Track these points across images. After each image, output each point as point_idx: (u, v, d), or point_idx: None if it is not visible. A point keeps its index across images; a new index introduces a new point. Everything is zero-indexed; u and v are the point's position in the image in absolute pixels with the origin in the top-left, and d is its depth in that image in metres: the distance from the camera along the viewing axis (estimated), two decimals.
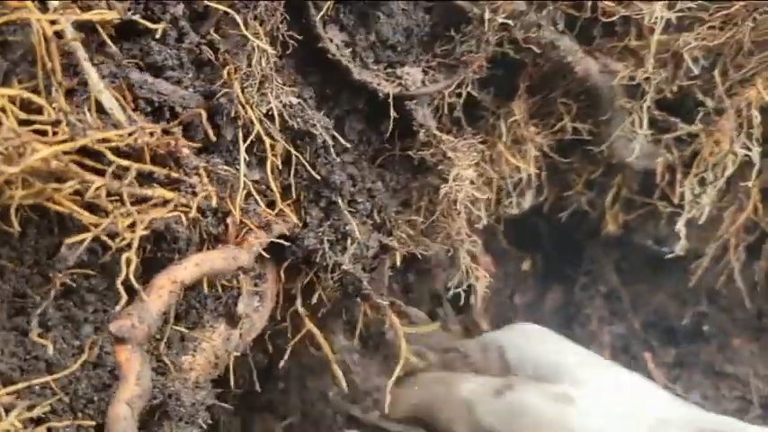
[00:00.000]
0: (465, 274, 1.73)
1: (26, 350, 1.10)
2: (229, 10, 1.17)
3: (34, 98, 0.97)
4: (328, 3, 1.33)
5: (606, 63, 1.62)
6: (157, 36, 1.14)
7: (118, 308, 0.98)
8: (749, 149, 1.66)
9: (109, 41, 1.09)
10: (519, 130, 1.67)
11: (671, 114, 1.77)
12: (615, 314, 2.49)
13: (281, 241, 1.37)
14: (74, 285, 1.13)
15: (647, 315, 2.48)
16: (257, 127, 1.24)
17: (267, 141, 1.26)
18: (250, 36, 1.18)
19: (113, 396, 0.99)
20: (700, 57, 1.60)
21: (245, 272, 1.37)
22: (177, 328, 1.29)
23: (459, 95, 1.51)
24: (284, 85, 1.32)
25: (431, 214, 1.60)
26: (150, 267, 1.18)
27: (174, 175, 1.15)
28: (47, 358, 1.10)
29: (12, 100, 0.96)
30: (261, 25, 1.21)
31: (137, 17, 1.11)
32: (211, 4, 1.17)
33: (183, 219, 1.15)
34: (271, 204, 1.37)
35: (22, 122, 0.97)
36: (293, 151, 1.35)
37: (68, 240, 1.01)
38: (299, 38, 1.33)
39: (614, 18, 1.57)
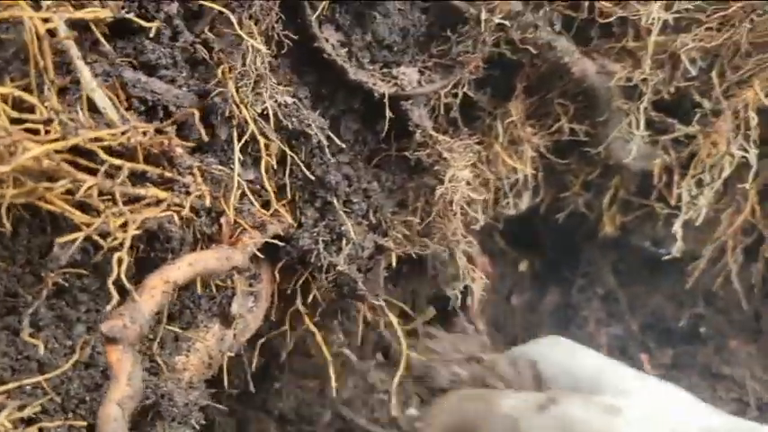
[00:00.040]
0: (462, 276, 1.73)
1: (18, 350, 1.09)
2: (224, 9, 1.17)
3: (26, 96, 0.96)
4: (324, 2, 1.33)
5: (603, 64, 1.62)
6: (151, 35, 1.14)
7: (108, 308, 0.97)
8: (746, 151, 1.66)
9: (102, 40, 1.08)
10: (516, 130, 1.67)
11: (668, 116, 1.76)
12: (612, 316, 2.49)
13: (276, 241, 1.36)
14: (66, 285, 1.13)
15: (644, 316, 2.48)
16: (252, 126, 1.23)
17: (262, 141, 1.25)
18: (244, 35, 1.17)
19: (104, 396, 0.99)
20: (697, 58, 1.60)
21: (240, 272, 1.37)
22: (171, 328, 1.28)
23: (456, 96, 1.50)
24: (279, 84, 1.31)
25: (427, 215, 1.59)
26: (143, 267, 1.18)
27: (168, 174, 1.15)
28: (38, 358, 1.10)
29: (4, 98, 0.96)
30: (256, 24, 1.21)
31: (131, 15, 1.10)
32: (206, 3, 1.16)
33: (176, 218, 1.15)
34: (266, 204, 1.36)
35: (13, 121, 0.96)
36: (288, 151, 1.34)
37: (59, 240, 1.00)
38: (295, 37, 1.32)
39: (612, 19, 1.56)
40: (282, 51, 1.33)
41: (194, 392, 1.27)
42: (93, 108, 1.07)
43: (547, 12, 1.51)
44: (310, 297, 1.50)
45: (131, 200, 1.09)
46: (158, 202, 1.12)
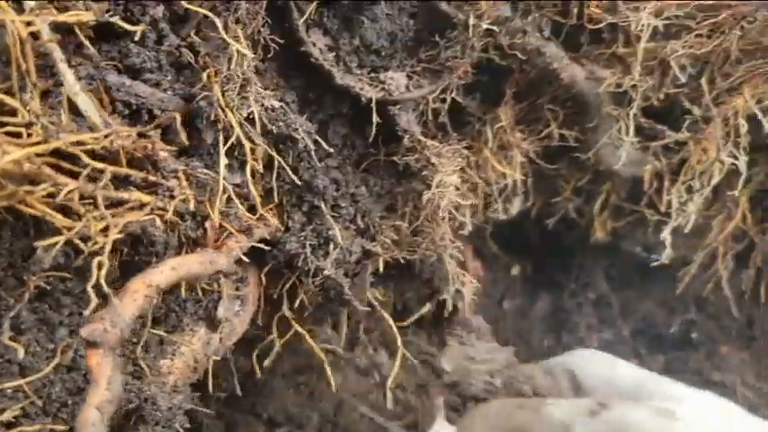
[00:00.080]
0: (452, 279, 1.73)
1: None
2: (209, 13, 1.16)
3: (7, 100, 0.96)
4: (311, 6, 1.32)
5: (593, 70, 1.62)
6: (136, 38, 1.13)
7: (87, 312, 0.97)
8: (736, 158, 1.66)
9: (87, 43, 1.08)
10: (505, 136, 1.67)
11: (659, 122, 1.76)
12: (604, 321, 2.49)
13: (262, 246, 1.36)
14: (49, 288, 1.12)
15: (635, 322, 2.48)
16: (237, 130, 1.23)
17: (247, 145, 1.25)
18: (230, 40, 1.17)
19: (83, 401, 0.98)
20: (687, 65, 1.60)
21: (226, 276, 1.37)
22: (156, 331, 1.28)
23: (444, 101, 1.50)
24: (266, 88, 1.31)
25: (416, 220, 1.59)
26: (128, 270, 1.18)
27: (152, 178, 1.14)
28: (20, 361, 1.09)
29: None
30: (242, 29, 1.20)
31: (115, 19, 1.10)
32: (191, 6, 1.16)
33: (160, 222, 1.14)
34: (252, 208, 1.36)
35: None
36: (275, 155, 1.34)
37: (39, 243, 1.00)
38: (282, 41, 1.32)
39: (601, 25, 1.56)
40: (269, 55, 1.32)
41: (179, 396, 1.27)
42: (76, 111, 1.06)
43: (536, 17, 1.51)
44: (298, 300, 1.50)
45: (114, 203, 1.09)
46: (142, 205, 1.12)
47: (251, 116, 1.26)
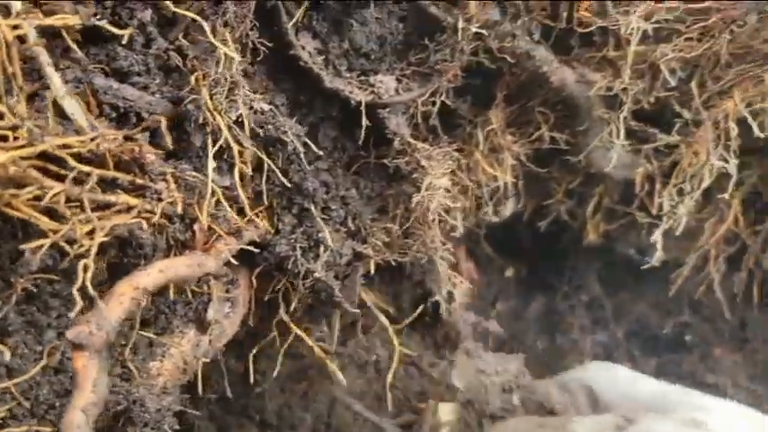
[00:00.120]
0: (444, 281, 1.73)
1: None
2: (197, 17, 1.17)
3: None
4: (300, 10, 1.33)
5: (583, 73, 1.62)
6: (124, 41, 1.14)
7: (72, 314, 0.98)
8: (726, 161, 1.66)
9: (74, 47, 1.08)
10: (496, 138, 1.67)
11: (651, 125, 1.77)
12: (598, 323, 2.49)
13: (251, 248, 1.36)
14: (36, 291, 1.12)
15: (629, 324, 2.49)
16: (225, 133, 1.23)
17: (236, 148, 1.25)
18: (217, 43, 1.17)
19: (68, 403, 0.99)
20: (677, 68, 1.60)
21: (216, 278, 1.37)
22: (146, 333, 1.28)
23: (434, 104, 1.51)
24: (256, 91, 1.31)
25: (407, 222, 1.60)
26: (116, 273, 1.18)
27: (139, 181, 1.15)
28: (7, 363, 1.10)
29: None
30: (230, 32, 1.21)
31: (103, 23, 1.10)
32: (179, 10, 1.16)
33: (148, 225, 1.15)
34: (242, 211, 1.36)
35: None
36: (265, 158, 1.34)
37: (24, 246, 1.00)
38: (271, 44, 1.33)
39: (591, 29, 1.56)
40: (259, 58, 1.33)
41: (168, 398, 1.27)
42: (63, 115, 1.07)
43: (525, 21, 1.51)
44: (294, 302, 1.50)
45: (101, 206, 1.09)
46: (129, 208, 1.12)
47: (240, 119, 1.27)
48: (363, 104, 1.39)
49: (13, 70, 0.98)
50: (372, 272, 1.60)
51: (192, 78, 1.21)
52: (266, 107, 1.32)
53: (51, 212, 1.04)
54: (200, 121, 1.22)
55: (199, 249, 1.28)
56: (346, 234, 1.51)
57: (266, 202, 1.40)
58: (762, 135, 1.62)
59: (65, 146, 1.01)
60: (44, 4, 1.04)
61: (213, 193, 1.27)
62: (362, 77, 1.42)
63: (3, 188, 0.97)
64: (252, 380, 1.78)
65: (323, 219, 1.44)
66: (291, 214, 1.43)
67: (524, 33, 1.52)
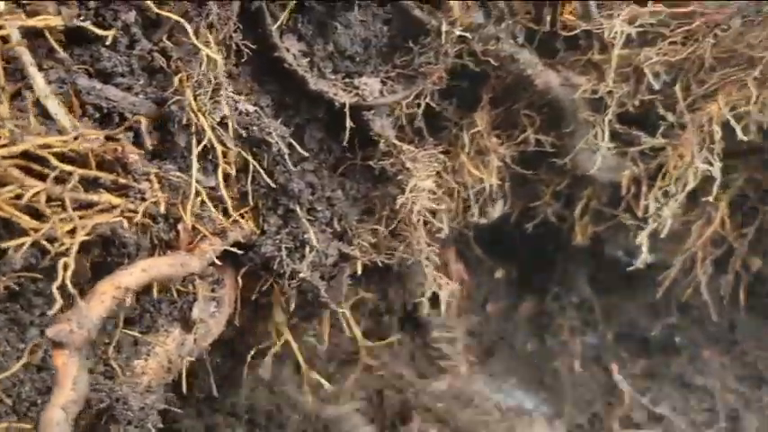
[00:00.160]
0: (430, 282, 1.74)
1: None
2: (180, 19, 1.18)
3: None
4: (285, 12, 1.34)
5: (568, 76, 1.63)
6: (108, 42, 1.15)
7: (51, 312, 0.99)
8: (711, 164, 1.67)
9: (57, 47, 1.09)
10: (482, 141, 1.68)
11: (637, 128, 1.78)
12: (587, 324, 2.50)
13: (235, 249, 1.37)
14: (19, 289, 1.13)
15: (619, 326, 2.50)
16: (209, 134, 1.24)
17: (219, 149, 1.26)
18: (200, 45, 1.18)
19: (48, 401, 1.00)
20: (661, 72, 1.61)
21: (202, 277, 1.38)
22: (130, 332, 1.29)
23: (419, 106, 1.52)
24: (240, 93, 1.32)
25: (393, 223, 1.61)
26: (100, 272, 1.19)
27: (123, 180, 1.16)
28: None
29: None
30: (213, 34, 1.22)
31: (87, 24, 1.11)
32: (162, 12, 1.18)
33: (131, 224, 1.16)
34: (227, 211, 1.37)
35: None
36: (250, 159, 1.35)
37: (4, 244, 1.01)
38: (256, 46, 1.34)
39: (576, 32, 1.57)
40: (243, 60, 1.34)
41: (152, 396, 1.27)
42: (46, 115, 1.08)
43: (509, 24, 1.52)
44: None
45: (84, 206, 1.10)
46: (112, 207, 1.13)
47: (224, 120, 1.28)
48: (348, 106, 1.40)
49: None
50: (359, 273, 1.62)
51: (176, 79, 1.22)
52: (251, 108, 1.33)
53: (34, 211, 1.05)
54: (184, 121, 1.23)
55: (183, 249, 1.29)
56: (332, 235, 1.52)
57: (252, 203, 1.41)
58: (745, 138, 1.63)
59: (46, 145, 1.02)
60: (27, 5, 1.05)
61: (198, 193, 1.28)
62: (347, 79, 1.43)
63: None
64: (239, 379, 1.80)
65: (308, 220, 1.45)
66: (277, 215, 1.44)
67: (508, 36, 1.53)
